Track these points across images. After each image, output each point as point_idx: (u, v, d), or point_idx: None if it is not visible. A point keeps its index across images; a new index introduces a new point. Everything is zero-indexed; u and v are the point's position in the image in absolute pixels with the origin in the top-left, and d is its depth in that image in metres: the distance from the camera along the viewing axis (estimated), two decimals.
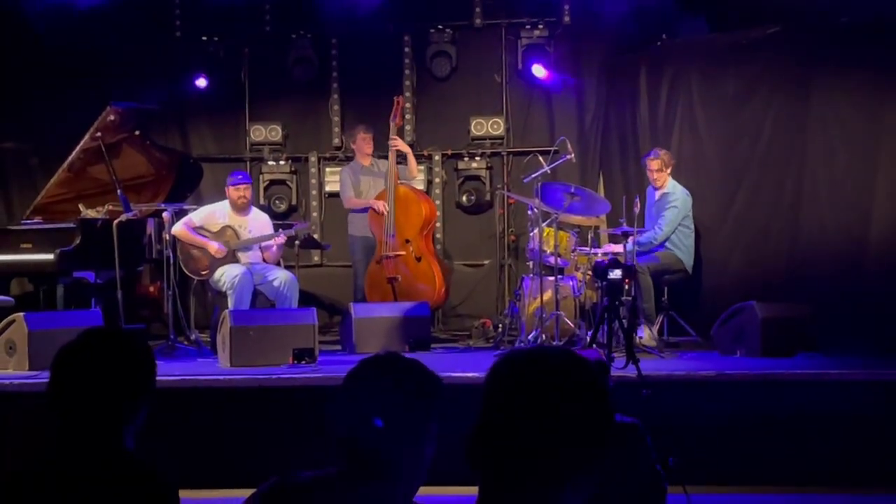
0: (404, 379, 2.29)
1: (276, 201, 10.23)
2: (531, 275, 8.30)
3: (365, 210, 9.13)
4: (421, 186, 10.02)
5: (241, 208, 8.59)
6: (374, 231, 9.12)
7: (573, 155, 8.61)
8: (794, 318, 7.70)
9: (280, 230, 8.61)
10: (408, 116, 10.13)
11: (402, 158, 9.17)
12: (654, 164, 8.57)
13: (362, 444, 2.23)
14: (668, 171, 8.60)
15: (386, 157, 9.21)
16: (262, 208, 9.24)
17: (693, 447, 5.98)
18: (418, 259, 9.02)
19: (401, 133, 9.50)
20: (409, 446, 2.25)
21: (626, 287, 7.39)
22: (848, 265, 8.66)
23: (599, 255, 8.15)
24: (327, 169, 10.41)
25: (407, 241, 9.04)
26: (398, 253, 9.02)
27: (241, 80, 10.42)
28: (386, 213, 8.97)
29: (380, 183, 9.19)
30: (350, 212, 9.32)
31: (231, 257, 8.50)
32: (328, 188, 10.38)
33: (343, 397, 2.28)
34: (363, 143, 9.31)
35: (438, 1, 9.97)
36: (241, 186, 8.56)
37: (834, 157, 8.88)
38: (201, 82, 10.10)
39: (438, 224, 10.03)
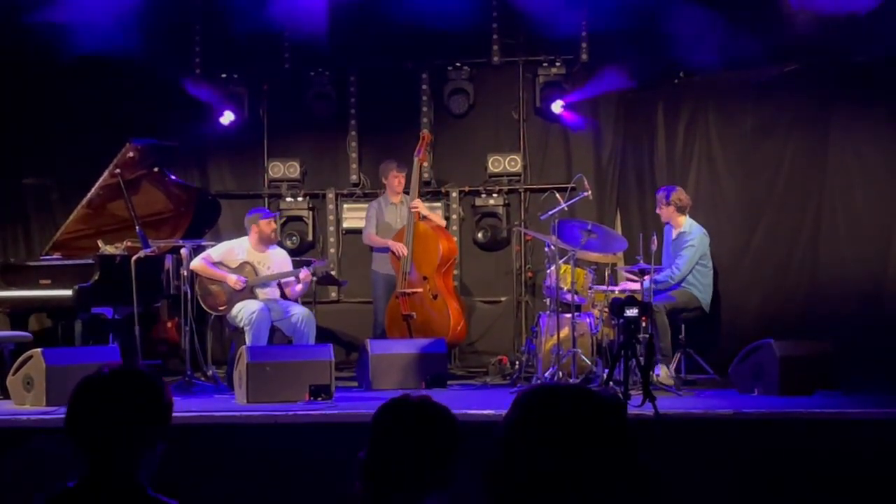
0: (429, 427, 2.29)
1: (293, 238, 10.24)
2: (548, 312, 8.28)
3: (387, 248, 9.16)
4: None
5: (271, 242, 8.68)
6: (393, 267, 9.14)
7: (590, 192, 8.62)
8: (812, 356, 7.64)
9: (303, 267, 8.62)
10: None
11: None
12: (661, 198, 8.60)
13: (384, 487, 2.23)
14: (672, 208, 8.57)
15: None
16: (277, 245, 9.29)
17: (710, 487, 5.95)
18: (435, 297, 9.01)
19: (420, 170, 9.44)
20: (431, 490, 2.25)
21: (644, 325, 7.36)
22: (868, 301, 8.62)
23: (616, 292, 8.14)
24: (345, 205, 10.42)
25: (425, 277, 9.03)
26: (415, 290, 9.02)
27: (259, 116, 10.47)
28: (405, 255, 8.99)
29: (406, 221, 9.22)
30: (373, 249, 9.35)
31: (249, 293, 8.53)
32: (346, 225, 10.38)
33: (370, 440, 2.29)
34: (395, 180, 9.34)
35: (456, 38, 10.00)
36: (272, 219, 8.77)
37: (853, 193, 8.87)
38: (228, 117, 10.14)
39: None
